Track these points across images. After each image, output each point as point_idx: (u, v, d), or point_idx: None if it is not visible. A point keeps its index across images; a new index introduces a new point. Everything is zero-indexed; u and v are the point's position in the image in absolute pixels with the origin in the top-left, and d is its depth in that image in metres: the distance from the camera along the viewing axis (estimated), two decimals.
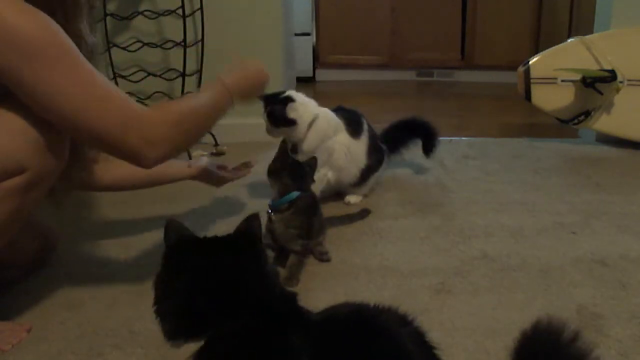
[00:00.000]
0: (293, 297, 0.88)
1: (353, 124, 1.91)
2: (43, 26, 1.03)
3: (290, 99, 1.77)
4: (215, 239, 0.91)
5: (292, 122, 1.76)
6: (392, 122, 2.19)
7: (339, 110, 1.93)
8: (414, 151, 2.29)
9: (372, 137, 1.97)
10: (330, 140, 1.84)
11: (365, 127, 1.94)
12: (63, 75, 1.04)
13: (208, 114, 1.28)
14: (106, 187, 1.54)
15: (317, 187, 1.80)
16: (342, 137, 1.88)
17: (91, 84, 1.07)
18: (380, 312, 0.86)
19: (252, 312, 0.79)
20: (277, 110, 1.76)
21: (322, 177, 1.86)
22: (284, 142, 1.56)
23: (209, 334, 0.79)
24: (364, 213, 1.82)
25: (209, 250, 0.87)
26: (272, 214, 1.49)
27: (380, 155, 2.00)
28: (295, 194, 1.48)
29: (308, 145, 1.80)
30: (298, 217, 1.47)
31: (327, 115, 1.86)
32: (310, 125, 1.80)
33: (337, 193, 1.99)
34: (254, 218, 0.93)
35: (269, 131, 1.81)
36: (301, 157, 1.72)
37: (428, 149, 2.16)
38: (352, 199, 1.96)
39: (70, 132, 1.14)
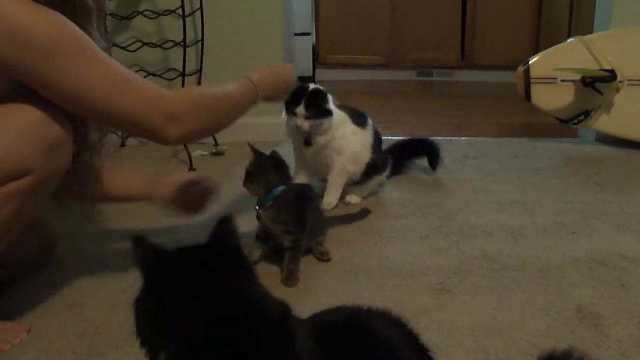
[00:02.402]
0: (286, 307, 0.79)
1: (357, 117, 1.95)
2: (56, 24, 1.06)
3: (324, 92, 1.81)
4: (195, 249, 0.78)
5: (329, 113, 1.81)
6: (394, 144, 2.22)
7: (343, 107, 1.95)
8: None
9: (377, 136, 1.98)
10: (339, 130, 1.87)
11: (370, 122, 1.97)
12: (83, 67, 1.08)
13: (231, 102, 1.35)
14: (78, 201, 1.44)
15: (341, 181, 1.89)
16: (349, 126, 1.91)
17: (111, 71, 1.12)
18: (374, 316, 0.85)
19: (250, 326, 0.72)
20: (320, 101, 1.78)
21: (343, 169, 1.89)
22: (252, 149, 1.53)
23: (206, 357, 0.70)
24: (364, 213, 1.82)
25: (193, 263, 0.75)
26: (260, 211, 1.48)
27: (384, 158, 2.01)
28: (280, 189, 1.47)
29: (324, 136, 1.84)
30: (283, 212, 1.46)
31: (336, 110, 1.90)
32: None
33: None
34: (226, 221, 0.82)
35: (299, 127, 1.79)
36: (315, 149, 1.84)
37: (434, 164, 2.22)
38: (353, 199, 1.96)
39: (98, 120, 1.19)
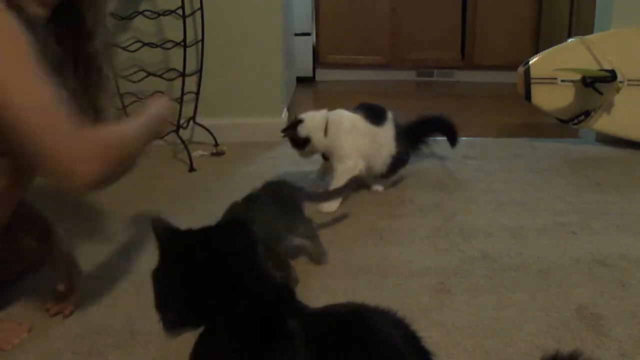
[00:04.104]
0: (287, 285, 0.91)
1: (373, 114, 2.01)
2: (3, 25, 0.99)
3: (299, 121, 1.95)
4: (206, 229, 0.90)
5: (307, 140, 1.93)
6: (410, 123, 2.24)
7: (360, 107, 2.04)
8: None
9: (399, 128, 2.04)
10: (350, 134, 1.95)
11: (390, 116, 2.03)
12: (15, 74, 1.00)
13: (137, 140, 1.23)
14: None
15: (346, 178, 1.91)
16: (362, 126, 1.97)
17: (30, 91, 1.02)
18: (377, 313, 0.86)
19: (249, 298, 0.81)
20: (292, 137, 1.96)
21: (351, 168, 1.94)
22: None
23: (208, 322, 0.82)
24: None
25: (202, 241, 0.88)
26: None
27: (408, 148, 2.08)
28: None
29: (334, 147, 1.95)
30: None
31: (339, 117, 1.97)
32: (325, 132, 1.94)
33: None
34: (235, 205, 0.94)
35: (301, 155, 2.00)
36: (334, 161, 1.95)
37: (453, 140, 2.28)
38: (379, 188, 2.05)
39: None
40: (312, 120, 1.95)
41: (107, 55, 1.35)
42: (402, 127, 2.07)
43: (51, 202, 1.36)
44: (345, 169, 1.92)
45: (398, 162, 2.02)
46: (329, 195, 1.83)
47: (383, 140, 1.99)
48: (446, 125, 2.27)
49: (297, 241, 1.49)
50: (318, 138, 1.93)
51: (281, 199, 1.49)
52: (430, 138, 2.28)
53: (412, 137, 2.17)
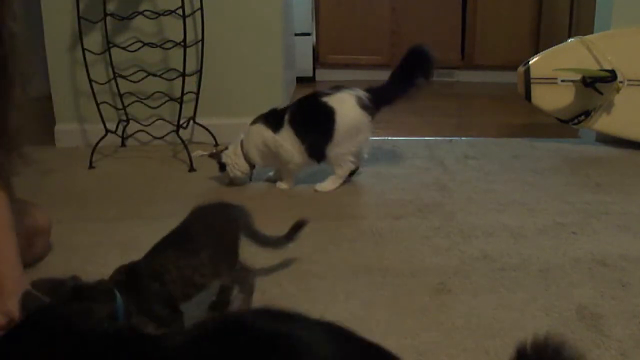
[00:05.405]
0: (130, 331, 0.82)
1: (272, 122, 2.09)
2: None
3: (225, 148, 2.14)
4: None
5: (223, 167, 2.13)
6: (393, 71, 2.39)
7: (268, 113, 2.14)
8: (413, 151, 2.29)
9: (303, 122, 2.07)
10: (261, 149, 2.09)
11: (286, 119, 2.07)
12: None
13: None
14: None
15: (230, 173, 2.12)
16: (266, 135, 2.08)
17: None
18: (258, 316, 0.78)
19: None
20: (218, 161, 2.13)
21: (232, 165, 2.11)
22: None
23: None
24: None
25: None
26: None
27: (322, 127, 2.06)
28: (119, 303, 1.08)
29: (253, 159, 2.12)
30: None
31: (246, 140, 2.11)
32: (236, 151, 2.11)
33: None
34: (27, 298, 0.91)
35: (225, 178, 2.16)
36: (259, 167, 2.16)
37: (427, 74, 2.39)
38: (322, 187, 2.10)
39: None
40: (231, 148, 2.12)
41: (17, 62, 1.21)
42: (311, 112, 2.11)
43: (50, 202, 1.36)
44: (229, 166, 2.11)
45: (315, 150, 2.06)
46: (273, 241, 1.39)
47: (284, 143, 2.05)
48: (421, 57, 2.37)
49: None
50: (240, 165, 2.10)
51: (210, 234, 1.26)
52: (416, 81, 2.34)
53: (399, 84, 2.32)
